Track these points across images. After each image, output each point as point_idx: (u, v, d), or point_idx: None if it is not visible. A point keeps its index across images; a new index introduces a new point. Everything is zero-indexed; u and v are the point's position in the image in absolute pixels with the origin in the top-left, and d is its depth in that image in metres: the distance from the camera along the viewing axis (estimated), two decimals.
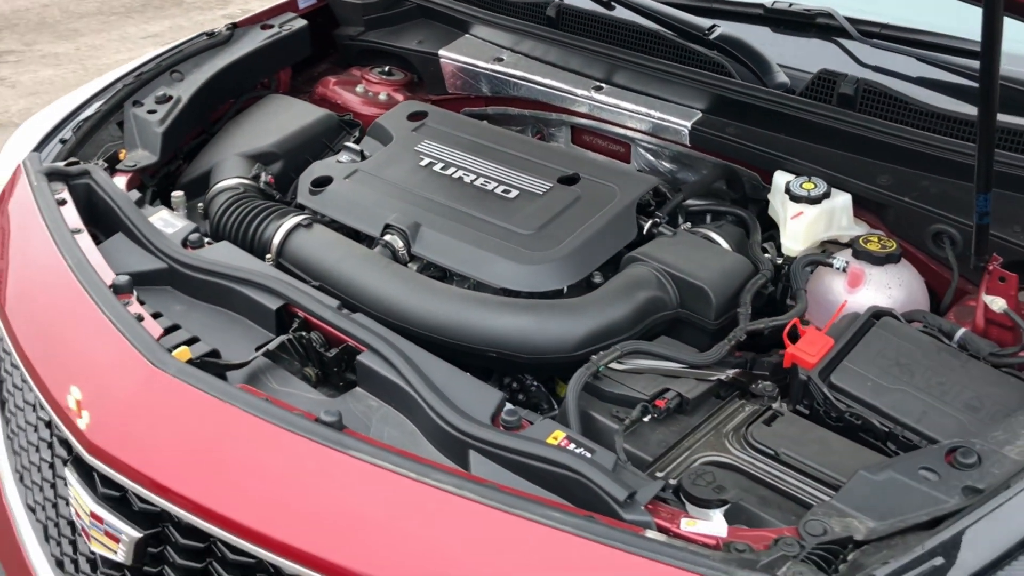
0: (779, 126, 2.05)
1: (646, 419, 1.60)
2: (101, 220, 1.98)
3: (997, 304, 1.66)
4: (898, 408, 1.55)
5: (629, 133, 2.29)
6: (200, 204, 2.19)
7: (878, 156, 1.95)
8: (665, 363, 1.67)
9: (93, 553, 1.49)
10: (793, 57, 2.21)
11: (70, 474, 1.49)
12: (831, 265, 1.85)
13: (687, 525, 1.29)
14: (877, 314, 1.71)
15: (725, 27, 2.23)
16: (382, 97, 2.60)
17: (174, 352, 1.50)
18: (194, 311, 1.79)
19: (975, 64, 1.93)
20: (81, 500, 1.46)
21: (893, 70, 2.12)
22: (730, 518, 1.41)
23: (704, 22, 2.24)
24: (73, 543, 1.60)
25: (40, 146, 2.14)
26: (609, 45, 2.31)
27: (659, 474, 1.49)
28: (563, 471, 1.32)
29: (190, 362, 1.52)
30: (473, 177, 2.07)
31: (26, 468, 1.76)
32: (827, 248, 1.95)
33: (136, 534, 1.41)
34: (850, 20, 2.17)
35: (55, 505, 1.66)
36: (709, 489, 1.37)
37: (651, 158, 2.30)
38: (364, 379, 1.60)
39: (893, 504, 1.27)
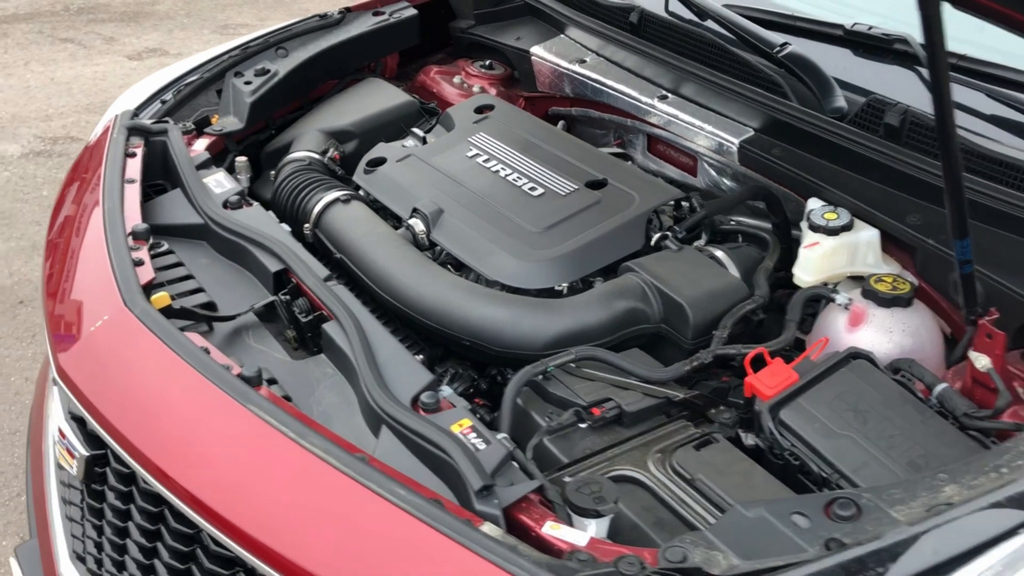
0: (822, 152, 1.99)
1: (583, 425, 1.61)
2: (172, 175, 2.19)
3: (980, 362, 1.54)
4: (839, 455, 1.49)
5: (695, 147, 2.27)
6: (272, 172, 2.37)
7: (913, 193, 1.85)
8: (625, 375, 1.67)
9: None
10: (866, 82, 2.11)
11: (55, 391, 1.69)
12: (834, 300, 1.78)
13: (550, 528, 1.31)
14: (855, 355, 1.63)
15: (801, 45, 2.16)
16: (475, 89, 2.70)
17: (153, 297, 1.66)
18: (216, 265, 1.96)
19: None
20: (56, 416, 1.65)
21: (965, 104, 1.99)
22: (625, 535, 1.42)
23: (779, 38, 2.18)
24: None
25: (144, 105, 2.39)
26: (680, 56, 2.30)
27: (567, 479, 1.50)
28: (442, 454, 1.37)
29: (167, 308, 1.67)
30: (508, 172, 2.13)
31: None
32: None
33: (85, 453, 1.58)
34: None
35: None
36: (589, 498, 1.38)
37: (715, 174, 2.27)
38: (327, 347, 1.71)
39: (758, 545, 1.24)
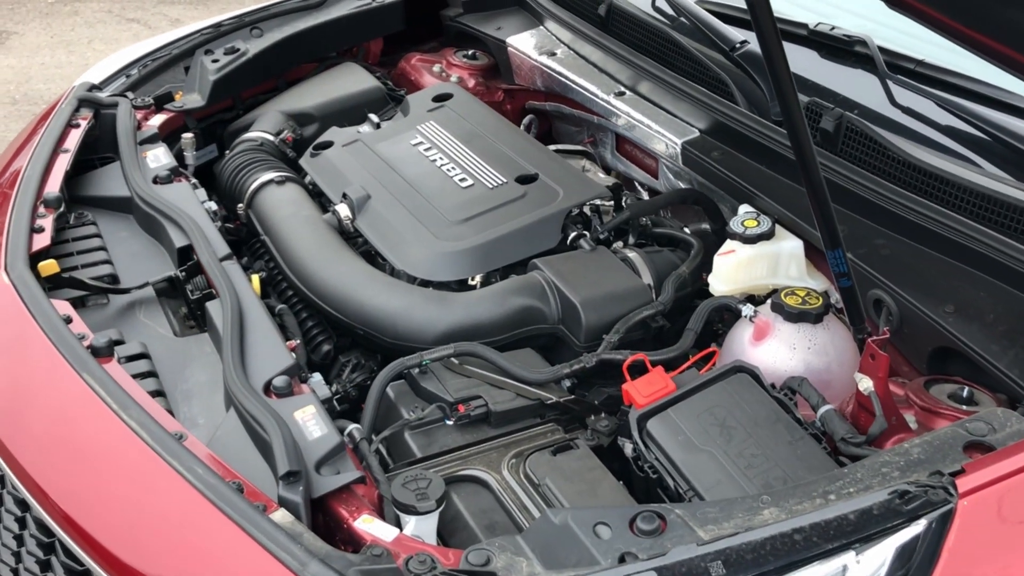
0: (759, 157, 1.93)
1: (449, 422, 1.59)
2: (118, 148, 2.24)
3: (863, 384, 1.47)
4: (695, 471, 1.44)
5: (654, 149, 2.23)
6: (228, 151, 2.41)
7: (844, 203, 1.77)
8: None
9: None
10: (826, 84, 2.04)
11: None
12: (739, 312, 1.72)
13: (362, 522, 1.30)
14: (739, 369, 1.58)
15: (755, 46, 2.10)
16: (453, 79, 2.69)
17: (40, 264, 1.70)
18: (135, 239, 2.00)
19: (1005, 119, 1.74)
20: None
21: (920, 113, 1.90)
22: (459, 536, 1.40)
23: (742, 35, 2.12)
24: None
25: (109, 79, 2.45)
26: (638, 53, 2.25)
27: (408, 472, 1.48)
28: (265, 436, 1.37)
29: (56, 276, 1.71)
30: (445, 163, 2.12)
31: None
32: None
33: None
34: (886, 52, 1.97)
35: None
36: (413, 495, 1.36)
37: (672, 177, 2.22)
38: (209, 326, 1.72)
39: (559, 554, 1.21)
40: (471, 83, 2.68)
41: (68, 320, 1.56)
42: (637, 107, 2.20)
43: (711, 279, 1.81)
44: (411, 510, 1.35)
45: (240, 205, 2.16)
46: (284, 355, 1.59)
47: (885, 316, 1.65)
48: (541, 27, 2.62)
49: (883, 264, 1.67)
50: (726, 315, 1.79)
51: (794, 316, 1.68)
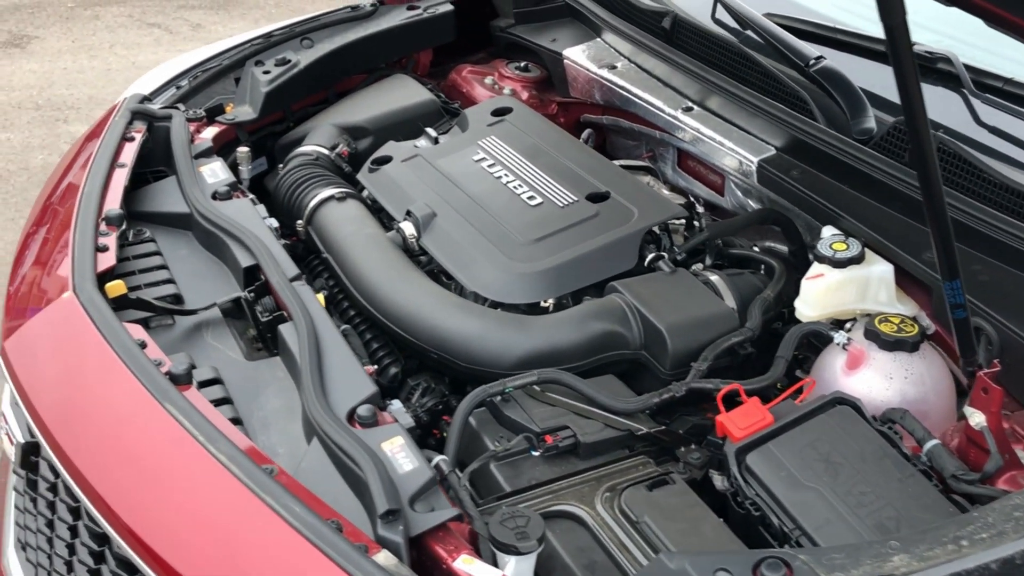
0: (843, 177, 1.87)
1: (535, 453, 1.54)
2: (172, 162, 2.19)
3: (975, 419, 1.42)
4: (802, 509, 1.39)
5: (723, 165, 2.17)
6: (281, 165, 2.36)
7: None
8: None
9: None
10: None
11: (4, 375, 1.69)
12: (832, 339, 1.67)
13: (463, 563, 1.25)
14: (839, 400, 1.52)
15: (841, 60, 2.05)
16: (506, 91, 2.64)
17: (108, 285, 1.65)
18: (195, 257, 1.94)
19: None
20: (4, 399, 1.66)
21: (1008, 132, 1.85)
22: (557, 574, 1.35)
23: (816, 51, 2.07)
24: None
25: (158, 90, 2.40)
26: (708, 67, 2.20)
27: (503, 509, 1.43)
28: (358, 471, 1.32)
29: (123, 298, 1.66)
30: (511, 179, 2.07)
31: None
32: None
33: (20, 440, 1.58)
34: (971, 70, 1.91)
35: None
36: (512, 533, 1.31)
37: (740, 195, 2.16)
38: (281, 349, 1.67)
39: None
40: (524, 95, 2.63)
41: (143, 345, 1.51)
42: (707, 123, 2.14)
43: (798, 304, 1.75)
44: (511, 550, 1.29)
45: (299, 222, 2.11)
46: (365, 382, 1.53)
47: (984, 345, 1.59)
48: (598, 39, 2.56)
49: (981, 291, 1.61)
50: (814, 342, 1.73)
51: (890, 344, 1.62)
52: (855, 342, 1.65)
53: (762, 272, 1.90)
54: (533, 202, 1.99)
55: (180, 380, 1.45)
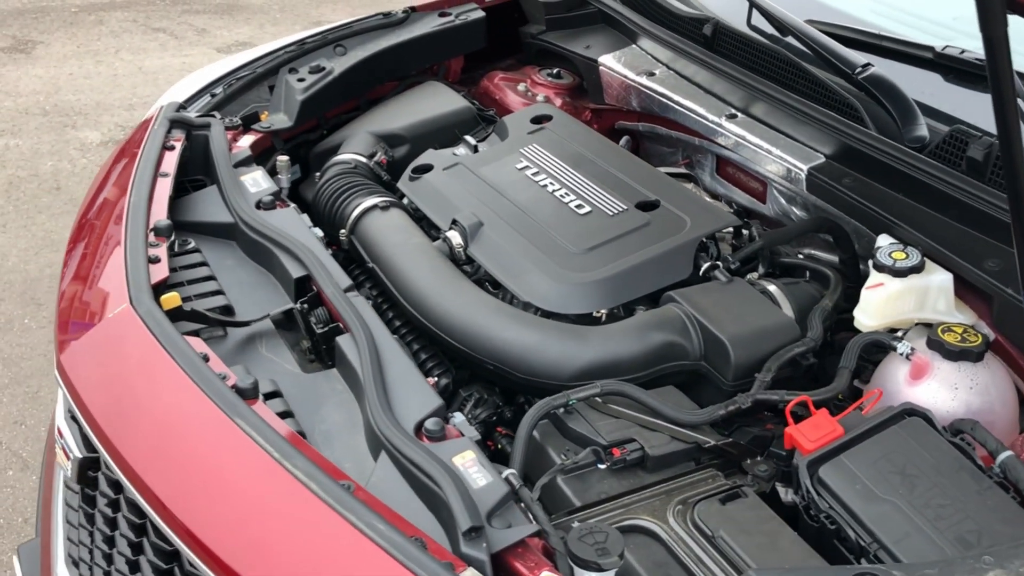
0: (897, 185, 1.86)
1: (602, 466, 1.52)
2: (211, 171, 2.17)
3: None
4: (880, 523, 1.37)
5: (765, 172, 2.16)
6: (318, 174, 2.34)
7: (995, 235, 1.71)
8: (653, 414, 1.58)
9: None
10: (954, 110, 1.98)
11: (60, 389, 1.67)
12: (895, 349, 1.66)
13: None
14: (910, 412, 1.51)
15: (886, 67, 2.04)
16: (540, 98, 2.63)
17: (163, 297, 1.63)
18: (242, 267, 1.93)
19: None
20: (58, 414, 1.64)
21: None
22: None
23: (862, 58, 2.06)
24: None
25: (192, 98, 2.38)
26: (752, 74, 2.19)
27: (575, 524, 1.42)
28: (435, 488, 1.30)
29: (177, 310, 1.64)
30: (557, 187, 2.05)
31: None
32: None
33: (79, 455, 1.56)
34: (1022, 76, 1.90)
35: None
36: (592, 550, 1.29)
37: (784, 203, 2.16)
38: (339, 361, 1.65)
39: None
40: (557, 102, 2.62)
41: (206, 358, 1.49)
42: (752, 130, 2.13)
43: (857, 313, 1.74)
44: (592, 566, 1.28)
45: (343, 231, 2.09)
46: (430, 394, 1.52)
47: None
48: (633, 46, 2.56)
49: None
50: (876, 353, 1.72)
51: (955, 355, 1.62)
52: (919, 352, 1.64)
53: (810, 281, 1.88)
54: (582, 211, 1.97)
55: (247, 394, 1.43)
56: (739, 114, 2.19)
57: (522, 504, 1.38)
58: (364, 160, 2.31)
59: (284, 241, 1.86)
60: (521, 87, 2.67)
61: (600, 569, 1.28)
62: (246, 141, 2.27)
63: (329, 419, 1.57)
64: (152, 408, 1.45)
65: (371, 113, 2.53)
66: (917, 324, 1.75)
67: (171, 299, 1.65)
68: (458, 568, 1.18)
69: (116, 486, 1.51)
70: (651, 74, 2.41)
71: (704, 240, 1.93)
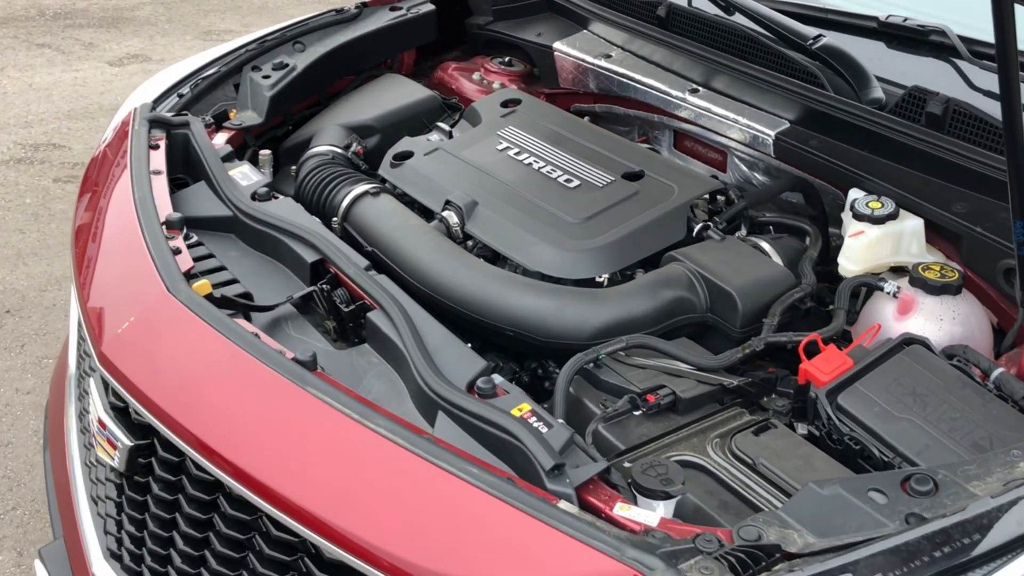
0: (862, 142, 2.03)
1: (637, 413, 1.64)
2: (193, 168, 2.21)
3: None
4: (900, 438, 1.53)
5: (726, 141, 2.32)
6: (293, 168, 2.40)
7: (958, 182, 1.90)
8: (672, 362, 1.71)
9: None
10: (902, 74, 2.17)
11: (93, 383, 1.70)
12: (882, 289, 1.82)
13: (620, 509, 1.34)
14: (908, 341, 1.68)
15: (834, 38, 2.22)
16: (496, 86, 2.74)
17: (194, 285, 1.68)
18: (247, 258, 1.98)
19: None
20: (95, 408, 1.67)
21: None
22: (688, 519, 1.45)
23: (812, 31, 2.24)
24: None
25: (160, 98, 2.41)
26: (711, 49, 2.35)
27: (627, 464, 1.53)
28: (507, 436, 1.40)
29: (208, 296, 1.69)
30: (542, 165, 2.17)
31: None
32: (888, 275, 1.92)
33: (129, 443, 1.59)
34: (966, 40, 2.11)
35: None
36: (657, 480, 1.41)
37: (745, 169, 2.32)
38: (371, 336, 1.73)
39: (834, 521, 1.27)
40: (513, 88, 2.72)
41: (257, 336, 1.55)
42: (716, 102, 2.29)
43: (841, 260, 1.91)
44: (659, 495, 1.40)
45: (335, 219, 2.16)
46: (473, 357, 1.62)
47: (1019, 283, 1.77)
48: (585, 31, 2.69)
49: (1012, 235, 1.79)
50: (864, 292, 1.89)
51: (938, 289, 1.79)
52: (904, 290, 1.81)
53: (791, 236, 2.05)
54: (571, 184, 2.09)
55: (310, 366, 1.50)
56: (701, 88, 2.34)
57: (579, 447, 1.48)
58: (340, 151, 2.38)
59: (292, 228, 1.92)
60: (476, 76, 2.77)
61: (668, 496, 1.40)
62: (221, 138, 2.32)
63: (373, 389, 1.65)
64: (216, 387, 1.50)
65: (336, 107, 2.59)
66: (890, 268, 1.93)
67: (203, 286, 1.70)
68: (552, 500, 1.28)
69: (174, 468, 1.56)
70: (608, 56, 2.55)
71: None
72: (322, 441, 1.38)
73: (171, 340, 1.59)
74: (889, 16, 2.24)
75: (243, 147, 2.41)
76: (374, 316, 1.72)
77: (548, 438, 1.41)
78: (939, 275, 1.81)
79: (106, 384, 1.64)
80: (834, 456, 1.59)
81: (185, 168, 2.22)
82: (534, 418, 1.47)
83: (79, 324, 1.97)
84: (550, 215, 2.01)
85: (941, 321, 1.78)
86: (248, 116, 2.44)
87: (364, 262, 1.84)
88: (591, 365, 1.69)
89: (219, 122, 2.40)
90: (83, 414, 1.97)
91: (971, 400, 1.57)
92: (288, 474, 1.37)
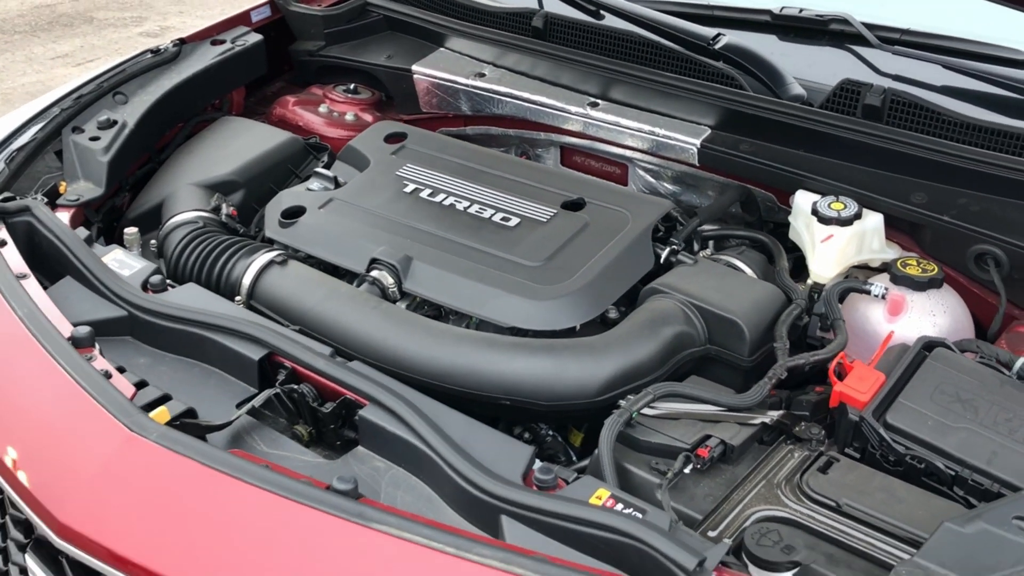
0: (799, 142, 2.01)
1: (687, 470, 1.52)
2: (45, 262, 1.86)
3: None
4: (965, 449, 1.50)
5: (626, 153, 2.23)
6: (153, 242, 2.08)
7: (911, 172, 1.92)
8: (701, 407, 1.60)
9: None
10: (806, 67, 2.17)
11: (31, 562, 1.36)
12: (868, 292, 1.81)
13: None
14: (929, 345, 1.67)
15: (731, 35, 2.19)
16: (349, 117, 2.52)
17: (152, 414, 1.39)
18: (160, 364, 1.68)
19: (1006, 71, 1.93)
20: None
21: (916, 79, 2.09)
22: None
23: (710, 31, 2.19)
24: None
25: None
26: (605, 57, 2.25)
27: (711, 533, 1.41)
28: (615, 536, 1.24)
29: (170, 424, 1.41)
30: (467, 204, 1.99)
31: None
32: (854, 274, 1.91)
33: None
34: (867, 26, 2.14)
35: None
36: (776, 550, 1.31)
37: (651, 179, 2.25)
38: (367, 437, 1.50)
39: (987, 559, 1.22)
40: (369, 118, 2.52)
41: (268, 468, 1.30)
42: (624, 115, 2.19)
43: (814, 267, 1.88)
44: (785, 567, 1.30)
45: (237, 299, 1.88)
46: (512, 443, 1.44)
47: (994, 266, 1.82)
48: (442, 49, 2.51)
49: (978, 219, 1.83)
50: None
51: (924, 284, 1.80)
52: (892, 290, 1.80)
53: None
54: (510, 223, 1.93)
55: (353, 495, 1.27)
56: (601, 101, 2.24)
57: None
58: (209, 215, 2.08)
59: (219, 321, 1.65)
60: (323, 108, 2.53)
61: (795, 566, 1.29)
62: (63, 218, 1.97)
63: (398, 500, 1.43)
64: (255, 542, 1.24)
65: (179, 163, 2.28)
66: (853, 267, 1.93)
67: (161, 415, 1.41)
68: None
69: None
70: (481, 75, 2.39)
71: None
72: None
73: (157, 491, 1.30)
74: (783, 8, 2.23)
75: (87, 226, 2.05)
76: (368, 413, 1.49)
77: (676, 534, 1.26)
78: (920, 270, 1.82)
79: (62, 560, 1.32)
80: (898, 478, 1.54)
81: (32, 264, 1.85)
82: (620, 505, 1.32)
83: None
84: (502, 261, 1.84)
85: (934, 316, 1.79)
86: (84, 188, 2.08)
87: (327, 349, 1.60)
88: (624, 426, 1.55)
89: (52, 199, 2.03)
90: None
91: (1015, 397, 1.57)
92: None
